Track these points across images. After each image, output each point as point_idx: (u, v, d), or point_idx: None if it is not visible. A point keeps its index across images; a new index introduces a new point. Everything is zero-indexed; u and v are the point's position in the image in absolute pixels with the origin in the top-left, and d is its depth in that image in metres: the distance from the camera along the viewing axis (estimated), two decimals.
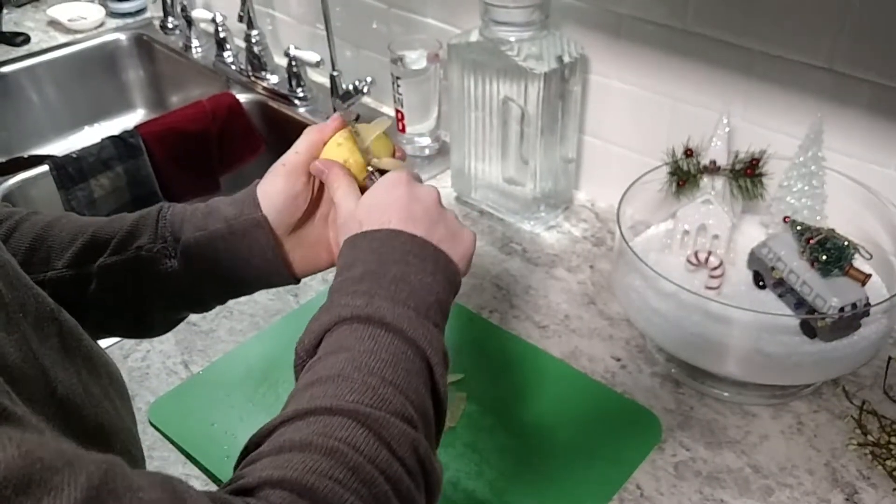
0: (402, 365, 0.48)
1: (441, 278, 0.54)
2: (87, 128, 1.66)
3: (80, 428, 0.43)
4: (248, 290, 0.67)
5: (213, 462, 0.78)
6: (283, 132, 1.40)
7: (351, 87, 1.32)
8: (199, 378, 0.88)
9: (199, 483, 0.77)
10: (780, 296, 0.82)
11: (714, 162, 0.86)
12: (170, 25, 1.64)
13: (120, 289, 0.62)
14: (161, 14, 1.65)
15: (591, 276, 1.01)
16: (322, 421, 0.44)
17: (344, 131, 0.64)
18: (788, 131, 0.89)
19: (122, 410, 0.52)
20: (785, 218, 0.86)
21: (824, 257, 0.77)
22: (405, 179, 0.59)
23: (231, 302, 0.97)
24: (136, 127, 1.33)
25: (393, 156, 0.65)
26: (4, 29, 1.66)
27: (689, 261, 0.86)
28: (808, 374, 0.79)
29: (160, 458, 0.81)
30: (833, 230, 0.80)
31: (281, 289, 1.00)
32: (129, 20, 1.71)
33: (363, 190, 0.61)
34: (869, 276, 0.78)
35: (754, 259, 0.85)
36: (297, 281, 0.66)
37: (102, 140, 1.29)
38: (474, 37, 1.01)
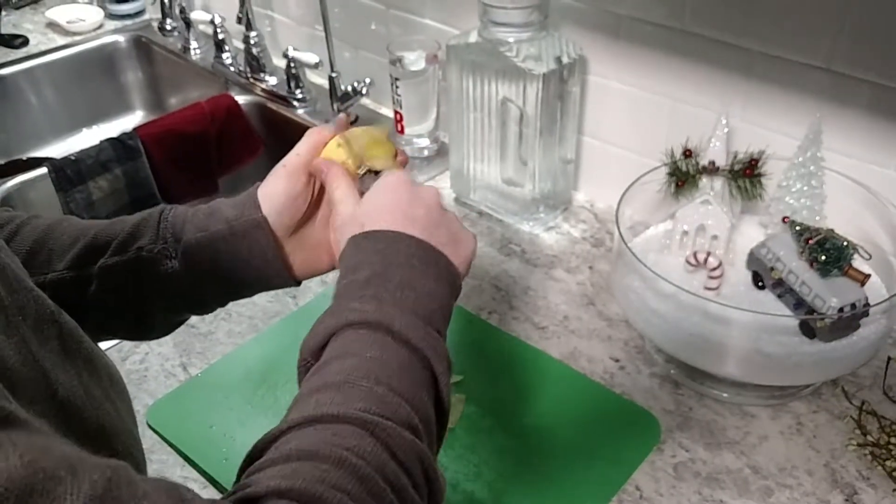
0: (408, 375, 0.48)
1: (444, 283, 0.54)
2: (85, 130, 1.66)
3: (81, 430, 0.43)
4: (249, 291, 0.67)
5: (212, 465, 0.78)
6: (281, 134, 1.40)
7: (350, 88, 1.32)
8: (198, 380, 0.88)
9: (198, 486, 0.77)
10: (779, 296, 0.82)
11: (713, 162, 0.86)
12: (168, 27, 1.64)
13: (121, 290, 0.62)
14: (159, 16, 1.65)
15: (590, 277, 1.01)
16: (330, 429, 0.44)
17: (346, 133, 0.64)
18: (787, 132, 0.89)
19: (123, 412, 0.52)
20: (784, 218, 0.86)
21: (823, 257, 0.77)
22: (406, 181, 0.59)
23: (230, 304, 0.97)
24: (135, 129, 1.32)
25: (395, 159, 0.65)
26: (3, 31, 1.66)
27: (688, 261, 0.86)
28: (807, 374, 0.79)
29: (158, 460, 0.81)
30: (832, 230, 0.80)
31: (280, 291, 1.00)
32: (128, 22, 1.71)
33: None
34: (868, 276, 0.78)
35: (753, 259, 0.85)
36: (298, 283, 0.66)
37: (101, 142, 1.29)
38: (473, 38, 1.01)
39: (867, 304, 0.76)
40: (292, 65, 1.37)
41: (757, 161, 0.85)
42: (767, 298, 0.83)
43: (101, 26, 1.69)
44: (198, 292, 0.64)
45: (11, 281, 0.44)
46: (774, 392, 0.82)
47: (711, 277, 0.84)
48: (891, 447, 0.76)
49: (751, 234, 0.90)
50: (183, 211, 0.63)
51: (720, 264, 0.84)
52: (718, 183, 0.87)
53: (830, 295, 0.76)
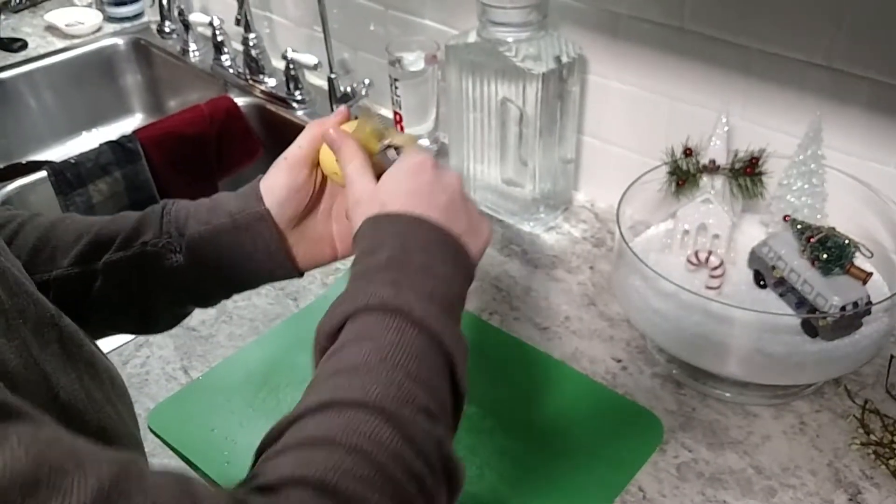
0: (425, 361, 0.47)
1: (461, 271, 0.54)
2: (85, 133, 1.66)
3: (82, 433, 0.43)
4: (253, 283, 0.67)
5: (214, 468, 0.78)
6: (281, 135, 1.39)
7: (349, 89, 1.32)
8: (199, 383, 0.88)
9: None
10: (780, 295, 0.82)
11: (713, 161, 0.86)
12: (167, 30, 1.63)
13: (125, 285, 0.62)
14: (158, 18, 1.65)
15: (591, 277, 1.01)
16: (346, 415, 0.43)
17: (347, 125, 0.63)
18: (788, 130, 0.89)
19: (125, 415, 0.52)
20: (785, 217, 0.86)
21: (825, 256, 0.77)
22: (430, 164, 0.57)
23: (230, 306, 0.98)
24: (135, 132, 1.32)
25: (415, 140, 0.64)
26: (2, 35, 1.66)
27: (689, 261, 0.86)
28: (809, 373, 0.79)
29: (160, 464, 0.80)
30: (833, 228, 0.79)
31: (280, 293, 1.00)
32: (127, 25, 1.71)
33: (375, 167, 0.59)
34: (870, 274, 0.78)
35: (755, 258, 0.85)
36: (301, 274, 0.66)
37: (100, 145, 1.29)
38: (472, 38, 1.01)
39: (869, 303, 0.75)
40: (291, 66, 1.37)
41: (757, 159, 0.85)
42: (769, 297, 0.83)
43: (99, 29, 1.69)
44: (202, 285, 0.64)
45: (11, 284, 0.44)
46: (777, 391, 0.82)
47: (713, 277, 0.84)
48: (894, 446, 0.75)
49: (752, 232, 0.90)
50: (185, 205, 0.64)
51: (721, 263, 0.84)
52: (719, 182, 0.86)
53: (832, 293, 0.76)
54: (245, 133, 1.43)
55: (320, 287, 1.00)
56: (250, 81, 1.46)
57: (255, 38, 1.42)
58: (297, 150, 0.62)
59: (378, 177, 0.58)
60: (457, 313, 0.52)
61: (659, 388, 0.85)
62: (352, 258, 0.55)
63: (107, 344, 0.91)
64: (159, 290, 0.63)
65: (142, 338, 0.94)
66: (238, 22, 1.40)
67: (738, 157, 0.86)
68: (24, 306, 0.44)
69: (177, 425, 0.83)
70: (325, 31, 1.28)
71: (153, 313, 0.65)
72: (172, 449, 0.81)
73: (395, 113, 1.22)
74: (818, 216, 0.85)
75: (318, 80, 1.43)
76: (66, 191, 1.25)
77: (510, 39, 0.96)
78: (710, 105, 0.94)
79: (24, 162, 1.35)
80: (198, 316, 0.97)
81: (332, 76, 1.31)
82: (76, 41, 1.65)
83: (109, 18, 1.72)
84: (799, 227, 0.81)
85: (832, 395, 0.83)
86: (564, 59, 0.98)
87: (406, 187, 0.55)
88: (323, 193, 0.65)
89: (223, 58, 1.50)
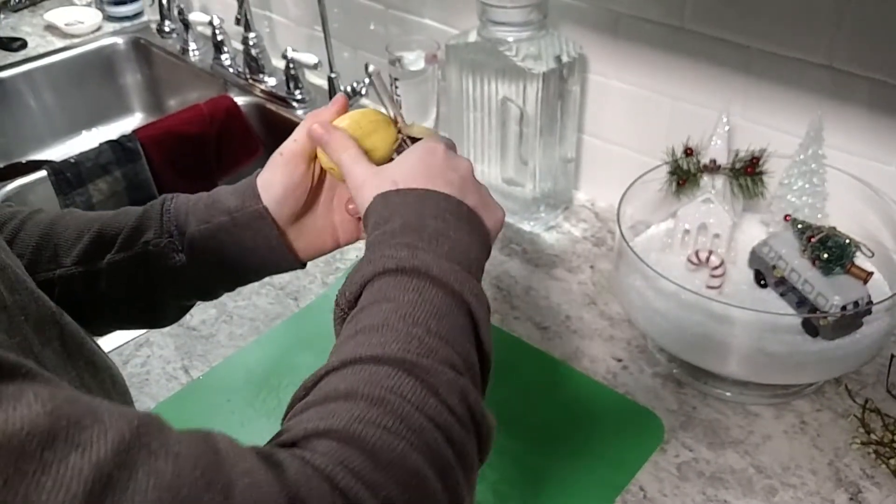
0: (447, 318, 0.47)
1: (477, 239, 0.53)
2: (84, 132, 1.66)
3: None
4: (256, 276, 0.67)
5: None
6: (281, 135, 1.38)
7: (349, 88, 1.32)
8: (200, 383, 0.88)
9: None
10: (781, 294, 0.82)
11: (714, 161, 0.86)
12: (167, 29, 1.63)
13: (130, 283, 0.62)
14: (158, 17, 1.64)
15: (591, 277, 1.01)
16: (367, 370, 0.43)
17: (344, 116, 0.62)
18: (788, 129, 0.89)
19: None
20: (786, 216, 0.86)
21: (826, 255, 0.77)
22: (442, 149, 0.57)
23: (231, 306, 0.98)
24: (135, 131, 1.32)
25: (432, 132, 0.64)
26: (1, 34, 1.66)
27: (689, 260, 0.86)
28: (810, 373, 0.79)
29: None
30: (834, 228, 0.79)
31: (281, 292, 1.00)
32: (126, 24, 1.71)
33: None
34: (871, 273, 0.78)
35: (755, 258, 0.84)
36: (304, 265, 0.66)
37: (100, 144, 1.29)
38: (472, 37, 1.00)
39: (870, 302, 0.75)
40: (291, 65, 1.37)
41: (758, 159, 0.85)
42: (770, 297, 0.83)
43: (99, 28, 1.69)
44: (206, 281, 0.64)
45: (13, 281, 0.44)
46: (777, 391, 0.82)
47: (713, 276, 0.84)
48: (895, 445, 0.75)
49: (752, 232, 0.90)
50: (184, 201, 0.63)
51: (722, 263, 0.84)
52: (720, 181, 0.86)
53: (833, 293, 0.76)
54: (245, 132, 1.43)
55: (321, 286, 1.00)
56: (250, 81, 1.46)
57: (255, 37, 1.42)
58: (292, 144, 0.61)
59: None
60: (476, 273, 0.52)
61: (660, 388, 0.85)
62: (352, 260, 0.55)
63: (107, 343, 0.91)
64: (163, 287, 0.63)
65: (142, 337, 0.94)
66: (238, 21, 1.40)
67: (738, 157, 0.86)
68: (26, 303, 0.44)
69: (177, 425, 0.82)
70: (325, 30, 1.28)
71: (159, 308, 0.65)
72: None
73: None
74: (819, 216, 0.85)
75: (319, 80, 1.43)
76: (66, 190, 1.25)
77: (510, 39, 0.96)
78: (711, 104, 0.94)
79: (24, 161, 1.35)
80: (198, 315, 0.97)
81: (332, 75, 1.31)
82: (76, 40, 1.65)
83: (109, 18, 1.72)
84: (800, 226, 0.81)
85: (833, 395, 0.83)
86: (565, 59, 0.98)
87: (418, 168, 0.55)
88: (322, 186, 0.65)
89: (223, 57, 1.50)
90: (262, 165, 0.63)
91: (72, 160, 1.26)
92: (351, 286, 0.50)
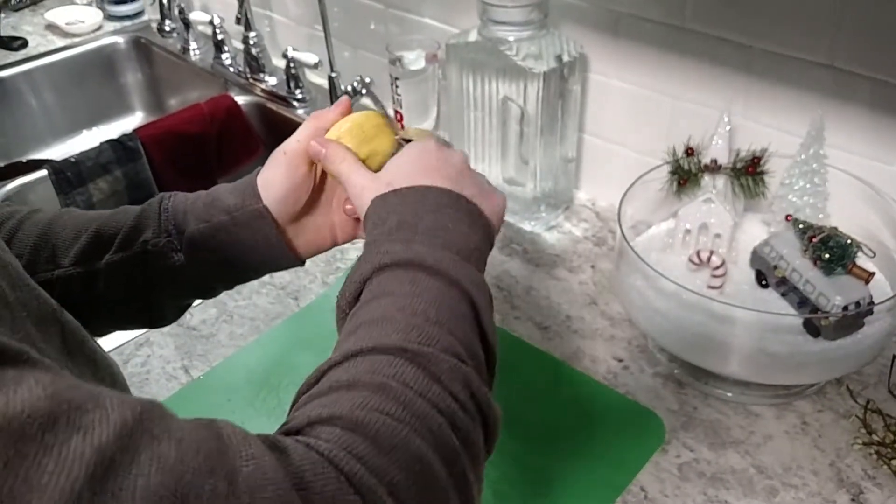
0: (446, 306, 0.47)
1: (478, 229, 0.53)
2: (85, 132, 1.66)
3: None
4: (256, 274, 0.67)
5: None
6: (281, 134, 1.38)
7: (350, 87, 1.31)
8: (200, 383, 0.88)
9: None
10: (782, 295, 0.82)
11: (715, 160, 0.86)
12: (167, 28, 1.63)
13: (128, 284, 0.62)
14: (158, 17, 1.64)
15: (592, 277, 1.00)
16: (368, 360, 0.43)
17: (347, 119, 0.62)
18: (789, 129, 0.89)
19: None
20: (787, 216, 0.85)
21: (827, 255, 0.77)
22: (434, 146, 0.58)
23: (231, 305, 0.98)
24: (135, 130, 1.32)
25: (427, 134, 0.64)
26: (2, 33, 1.66)
27: (690, 260, 0.86)
28: (811, 373, 0.79)
29: None
30: (836, 228, 0.79)
31: (281, 292, 1.00)
32: (127, 23, 1.71)
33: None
34: (872, 274, 0.77)
35: (756, 258, 0.84)
36: (303, 263, 0.66)
37: (101, 144, 1.29)
38: (473, 36, 1.00)
39: (871, 302, 0.75)
40: (292, 65, 1.37)
41: (759, 159, 0.85)
42: (771, 297, 0.82)
43: (100, 28, 1.69)
44: (205, 280, 0.64)
45: (14, 278, 0.44)
46: (779, 391, 0.82)
47: (714, 276, 0.83)
48: None
49: (754, 232, 0.90)
50: (182, 200, 0.63)
51: (723, 263, 0.84)
52: (721, 181, 0.86)
53: (834, 293, 0.75)
54: (245, 132, 1.43)
55: (321, 286, 1.00)
56: (251, 80, 1.46)
57: (256, 36, 1.42)
58: (296, 144, 0.61)
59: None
60: (477, 263, 0.52)
61: (660, 388, 0.85)
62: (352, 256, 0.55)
63: (107, 343, 0.91)
64: (162, 287, 0.63)
65: (142, 337, 0.94)
66: (238, 20, 1.40)
67: (739, 157, 0.86)
68: (28, 300, 0.44)
69: None
70: (325, 29, 1.28)
71: (158, 308, 0.65)
72: None
73: (396, 112, 1.22)
74: (820, 216, 0.85)
75: (319, 79, 1.43)
76: (66, 189, 1.25)
77: (511, 38, 0.96)
78: (712, 104, 0.94)
79: (24, 161, 1.35)
80: (198, 315, 0.97)
81: (333, 75, 1.31)
82: (76, 40, 1.65)
83: (110, 17, 1.72)
84: (801, 226, 0.81)
85: (834, 395, 0.83)
86: (565, 58, 0.97)
87: (414, 167, 0.56)
88: (323, 187, 0.65)
89: (223, 56, 1.50)
90: (263, 165, 0.63)
91: (72, 159, 1.26)
92: (350, 286, 0.51)
